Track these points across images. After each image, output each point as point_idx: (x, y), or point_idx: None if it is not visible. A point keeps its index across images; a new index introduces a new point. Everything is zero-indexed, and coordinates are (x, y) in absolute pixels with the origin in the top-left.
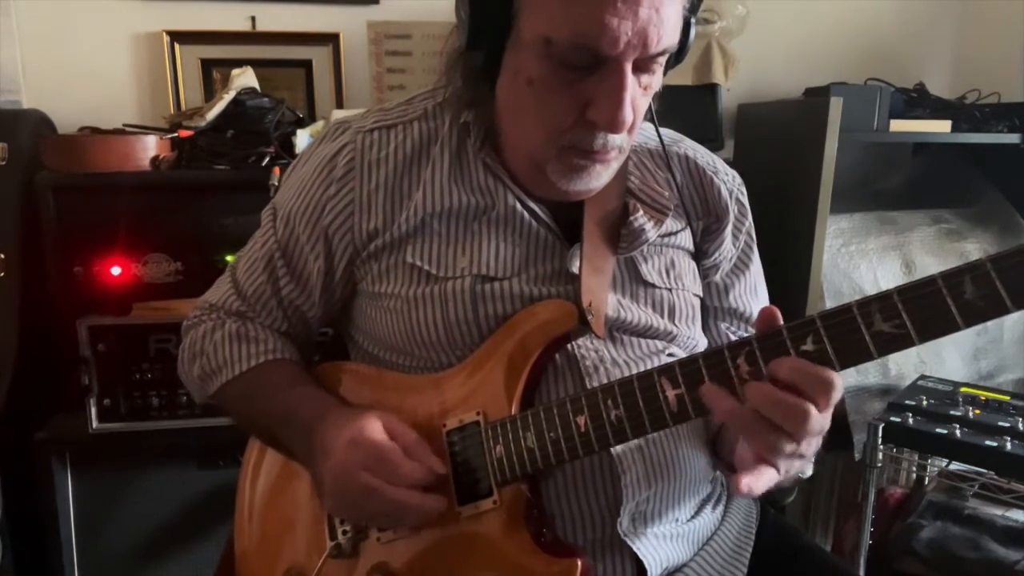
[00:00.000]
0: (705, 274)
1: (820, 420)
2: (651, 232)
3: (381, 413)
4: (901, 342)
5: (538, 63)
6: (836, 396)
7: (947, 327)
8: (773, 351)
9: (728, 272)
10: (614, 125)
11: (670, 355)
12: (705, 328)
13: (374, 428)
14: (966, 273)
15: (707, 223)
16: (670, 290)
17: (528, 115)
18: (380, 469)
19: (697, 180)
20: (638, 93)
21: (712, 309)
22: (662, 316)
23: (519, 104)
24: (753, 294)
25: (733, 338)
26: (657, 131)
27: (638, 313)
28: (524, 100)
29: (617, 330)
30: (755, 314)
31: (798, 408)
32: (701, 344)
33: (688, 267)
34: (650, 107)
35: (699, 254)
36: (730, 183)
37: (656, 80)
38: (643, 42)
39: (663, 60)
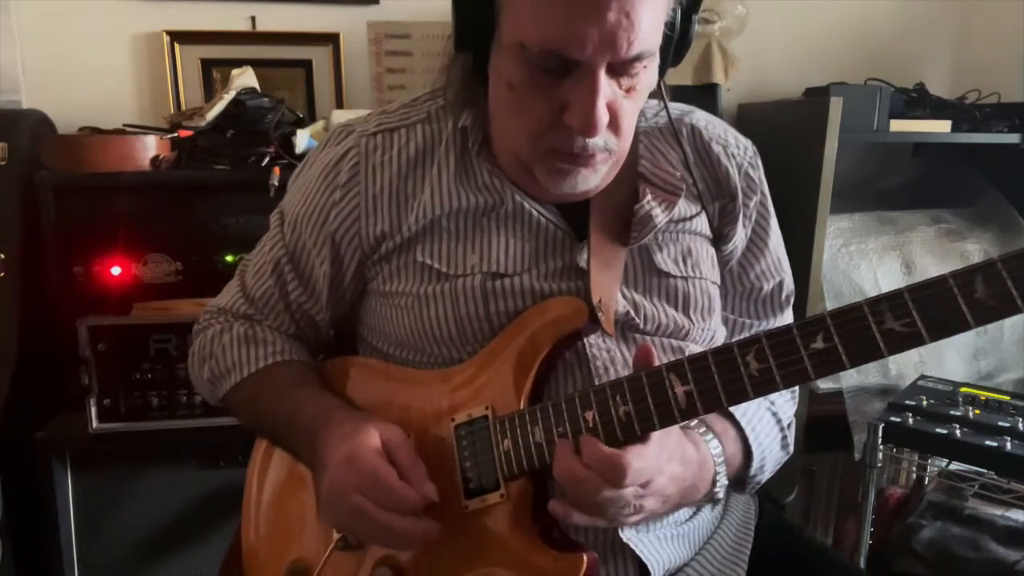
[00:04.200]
0: (726, 260)
1: (621, 496)
2: (660, 216)
3: (381, 424)
4: (911, 340)
5: (516, 67)
6: (634, 475)
7: (958, 326)
8: (783, 348)
9: (744, 252)
10: (588, 129)
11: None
12: (731, 314)
13: (371, 445)
14: (977, 272)
15: (722, 204)
16: (686, 279)
17: (510, 117)
18: (372, 492)
19: (705, 157)
20: (619, 96)
21: (735, 293)
22: (676, 308)
23: (503, 106)
24: (779, 270)
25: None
26: (667, 108)
27: (650, 310)
28: (506, 102)
29: (628, 329)
30: (785, 285)
31: (590, 486)
32: (719, 335)
33: (706, 254)
34: (660, 85)
35: (718, 239)
36: (740, 156)
37: (642, 82)
38: (612, 47)
39: (646, 63)
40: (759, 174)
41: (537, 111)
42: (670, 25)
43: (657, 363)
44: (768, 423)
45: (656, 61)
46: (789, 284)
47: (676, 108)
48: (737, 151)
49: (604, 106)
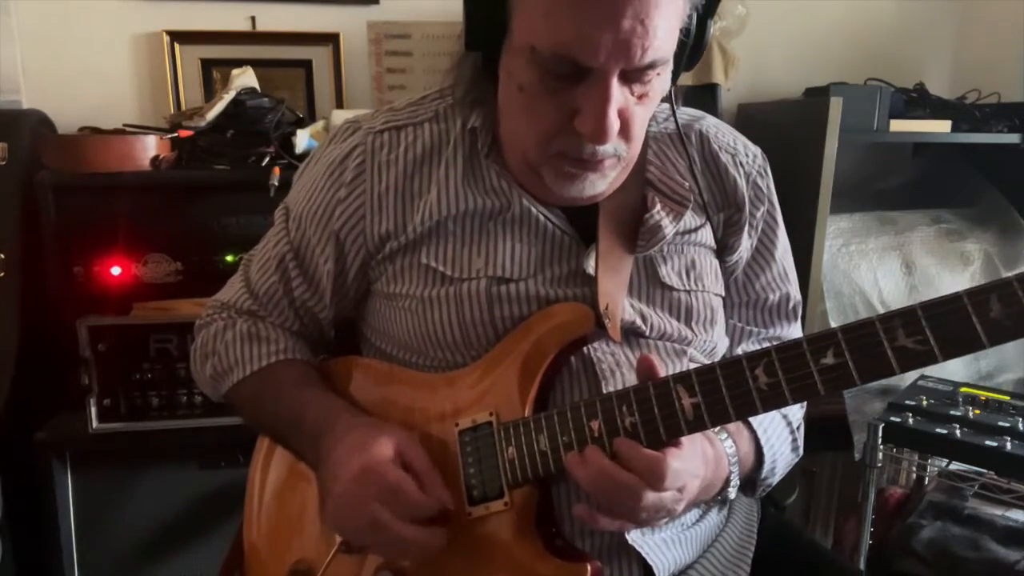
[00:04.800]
0: (730, 271)
1: (659, 499)
2: (668, 228)
3: (393, 432)
4: (924, 359)
5: (527, 69)
6: (672, 478)
7: (971, 345)
8: (792, 363)
9: (749, 262)
10: (598, 135)
11: (688, 359)
12: (738, 322)
13: (386, 456)
14: (992, 291)
15: (728, 214)
16: (689, 292)
17: (519, 119)
18: (392, 502)
19: (713, 166)
20: (631, 102)
21: (741, 303)
22: (679, 320)
23: (512, 107)
24: (785, 281)
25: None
26: (675, 115)
27: (654, 319)
28: (516, 104)
29: (633, 335)
30: (792, 297)
31: (630, 490)
32: (720, 346)
33: (710, 266)
34: (672, 90)
35: (722, 250)
36: (748, 165)
37: (654, 89)
38: (626, 55)
39: (660, 70)
40: (767, 183)
41: (547, 115)
42: (685, 31)
43: (660, 371)
44: (779, 425)
45: (670, 67)
46: (796, 295)
47: (686, 114)
48: (746, 160)
49: (615, 113)
